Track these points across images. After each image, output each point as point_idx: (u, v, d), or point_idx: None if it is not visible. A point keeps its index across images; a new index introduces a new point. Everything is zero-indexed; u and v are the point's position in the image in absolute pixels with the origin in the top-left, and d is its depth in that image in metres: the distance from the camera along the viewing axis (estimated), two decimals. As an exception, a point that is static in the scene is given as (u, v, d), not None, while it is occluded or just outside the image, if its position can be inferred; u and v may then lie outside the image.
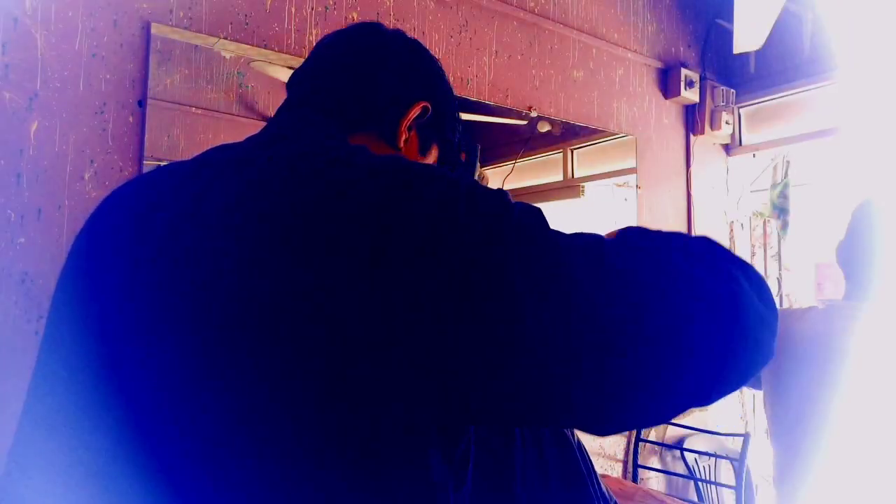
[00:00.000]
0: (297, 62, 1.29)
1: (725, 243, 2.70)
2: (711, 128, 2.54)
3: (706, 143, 2.63)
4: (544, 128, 2.14)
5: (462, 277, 0.38)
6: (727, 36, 2.24)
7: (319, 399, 0.38)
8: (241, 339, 0.39)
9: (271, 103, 1.52)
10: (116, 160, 1.29)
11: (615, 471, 2.25)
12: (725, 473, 2.37)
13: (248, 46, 1.47)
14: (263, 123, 0.62)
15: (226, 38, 1.44)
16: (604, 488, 0.71)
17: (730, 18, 2.07)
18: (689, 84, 2.47)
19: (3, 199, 1.17)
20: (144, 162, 1.31)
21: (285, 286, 0.39)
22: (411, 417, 0.39)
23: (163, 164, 1.23)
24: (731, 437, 2.41)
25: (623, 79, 2.36)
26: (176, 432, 0.39)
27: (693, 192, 2.56)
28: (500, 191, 0.44)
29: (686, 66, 2.49)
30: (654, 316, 0.38)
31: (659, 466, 2.36)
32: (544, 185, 2.33)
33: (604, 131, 2.29)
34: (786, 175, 2.88)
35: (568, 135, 2.24)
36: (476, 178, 1.95)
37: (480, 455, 0.52)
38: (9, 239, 1.17)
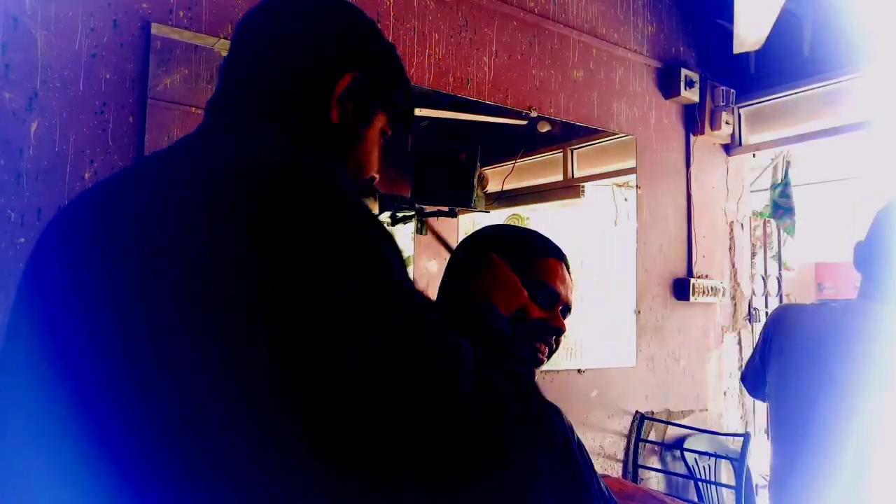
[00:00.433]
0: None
1: (726, 243, 2.70)
2: (711, 128, 2.54)
3: (706, 143, 2.63)
4: (544, 128, 2.14)
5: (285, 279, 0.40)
6: (727, 36, 2.24)
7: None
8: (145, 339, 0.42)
9: (271, 103, 1.52)
10: (116, 160, 1.29)
11: (615, 471, 2.25)
12: (725, 473, 2.37)
13: (248, 46, 1.47)
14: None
15: (226, 38, 1.43)
16: (604, 488, 0.71)
17: (730, 18, 2.07)
18: (689, 84, 2.47)
19: (3, 199, 1.17)
20: (144, 162, 1.32)
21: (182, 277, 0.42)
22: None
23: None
24: (731, 437, 2.41)
25: (623, 79, 2.36)
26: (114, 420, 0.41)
27: (693, 193, 2.55)
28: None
29: (686, 66, 2.49)
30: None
31: (659, 466, 2.36)
32: (544, 185, 2.33)
33: (604, 131, 2.29)
34: (786, 175, 2.88)
35: (568, 135, 2.24)
36: (476, 178, 1.95)
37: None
38: (9, 239, 1.17)
